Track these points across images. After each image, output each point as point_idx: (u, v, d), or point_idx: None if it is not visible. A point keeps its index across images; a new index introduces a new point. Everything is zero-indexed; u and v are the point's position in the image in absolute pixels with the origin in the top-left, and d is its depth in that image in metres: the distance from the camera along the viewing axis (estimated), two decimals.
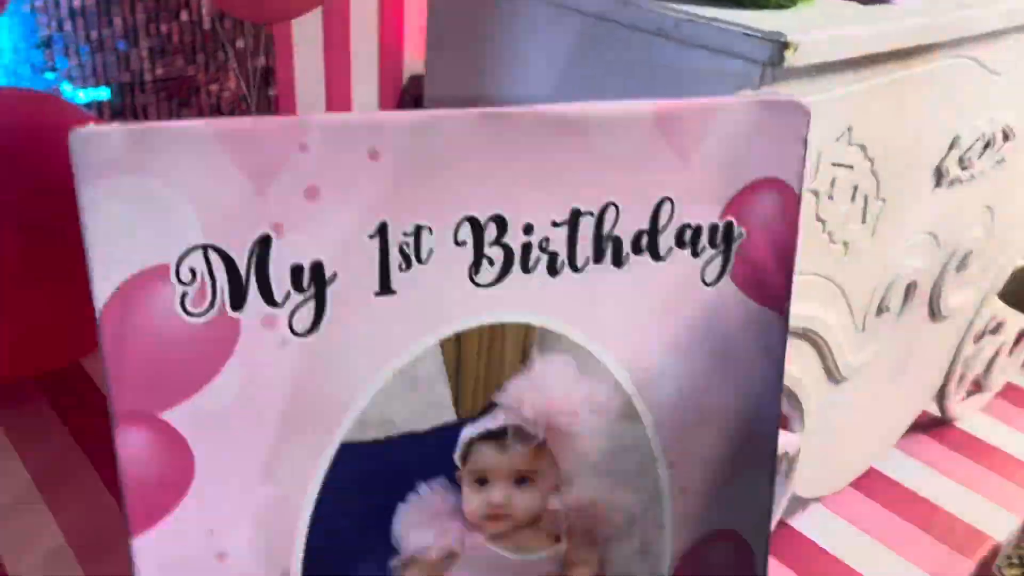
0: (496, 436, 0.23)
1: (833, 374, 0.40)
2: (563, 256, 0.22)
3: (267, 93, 1.15)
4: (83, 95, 0.97)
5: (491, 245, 0.21)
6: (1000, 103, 0.42)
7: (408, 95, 1.93)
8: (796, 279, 0.27)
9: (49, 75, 0.92)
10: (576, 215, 0.22)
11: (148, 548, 0.19)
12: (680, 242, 0.24)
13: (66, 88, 0.92)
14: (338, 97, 1.41)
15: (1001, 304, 0.54)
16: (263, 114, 1.08)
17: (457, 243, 0.21)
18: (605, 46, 0.34)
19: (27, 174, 0.46)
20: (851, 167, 0.35)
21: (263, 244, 0.18)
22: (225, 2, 0.82)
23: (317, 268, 0.19)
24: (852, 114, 0.33)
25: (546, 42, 0.36)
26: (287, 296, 0.19)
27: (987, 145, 0.43)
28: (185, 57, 0.96)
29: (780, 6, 0.31)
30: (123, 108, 1.03)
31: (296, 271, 0.19)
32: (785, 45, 0.26)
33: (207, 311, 0.18)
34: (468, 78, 0.42)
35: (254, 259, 0.18)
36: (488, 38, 0.39)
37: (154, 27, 0.89)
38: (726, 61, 0.28)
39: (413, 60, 1.78)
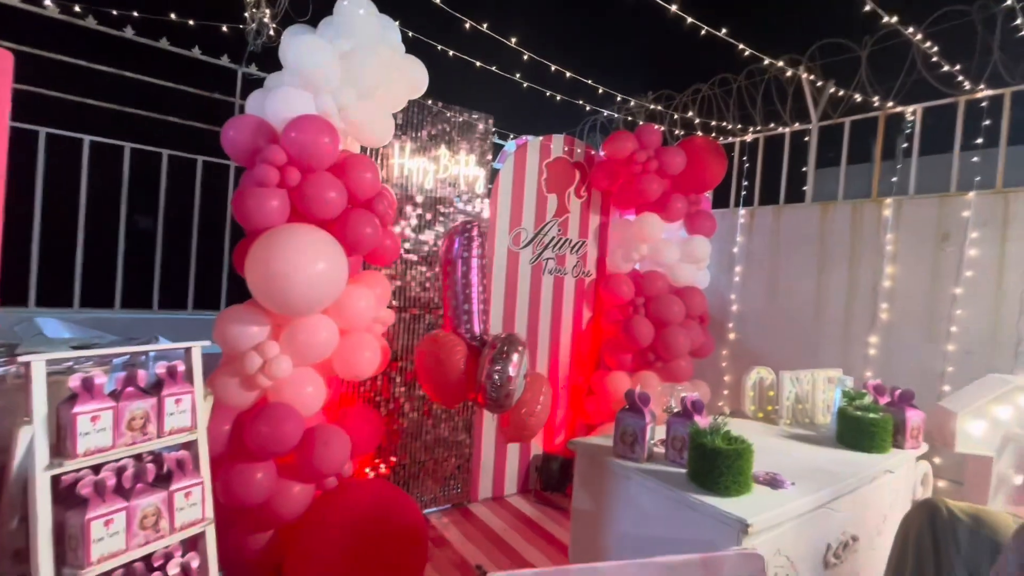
0: None
1: None
2: None
3: None
4: None
5: None
6: (847, 526, 1.79)
7: (532, 465, 3.81)
8: None
9: None
10: None
11: None
12: None
13: None
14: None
15: None
16: None
17: None
18: (669, 510, 1.71)
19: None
20: (781, 566, 1.55)
21: None
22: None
23: None
24: (780, 541, 1.60)
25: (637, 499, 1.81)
26: None
27: (845, 546, 1.74)
28: None
29: (740, 494, 1.56)
30: None
31: None
32: (747, 525, 1.49)
33: None
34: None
35: None
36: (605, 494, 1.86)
37: None
38: (721, 524, 1.54)
39: (537, 446, 3.85)
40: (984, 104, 3.11)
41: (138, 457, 1.66)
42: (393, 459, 3.23)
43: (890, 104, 3.51)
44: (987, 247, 3.00)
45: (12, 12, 3.11)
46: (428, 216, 3.31)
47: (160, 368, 1.68)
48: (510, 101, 4.66)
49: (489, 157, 3.58)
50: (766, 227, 4.09)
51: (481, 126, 3.51)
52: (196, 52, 3.62)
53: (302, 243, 2.08)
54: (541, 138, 3.81)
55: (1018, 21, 2.75)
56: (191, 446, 1.78)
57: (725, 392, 4.24)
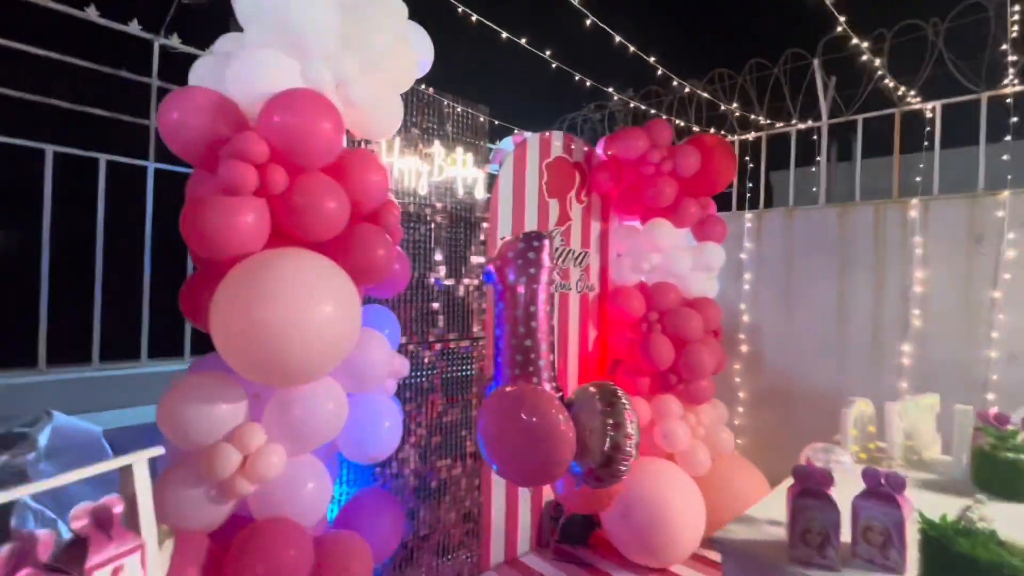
0: None
1: None
2: None
3: None
4: None
5: None
6: None
7: (545, 514, 3.25)
8: None
9: None
10: None
11: None
12: None
13: None
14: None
15: None
16: None
17: None
18: None
19: None
20: None
21: None
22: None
23: None
24: None
25: None
26: None
27: None
28: None
29: None
30: None
31: None
32: None
33: None
34: None
35: None
36: None
37: None
38: None
39: (548, 494, 3.29)
40: (1009, 100, 3.01)
41: None
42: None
43: (912, 95, 3.35)
44: None
45: None
46: (429, 227, 2.66)
47: (79, 522, 0.95)
48: (489, 97, 4.08)
49: (489, 155, 2.99)
50: (776, 231, 3.83)
51: (481, 118, 2.91)
52: (92, 13, 2.70)
53: (300, 276, 1.39)
54: (540, 135, 3.28)
55: None
56: None
57: (740, 409, 3.93)
